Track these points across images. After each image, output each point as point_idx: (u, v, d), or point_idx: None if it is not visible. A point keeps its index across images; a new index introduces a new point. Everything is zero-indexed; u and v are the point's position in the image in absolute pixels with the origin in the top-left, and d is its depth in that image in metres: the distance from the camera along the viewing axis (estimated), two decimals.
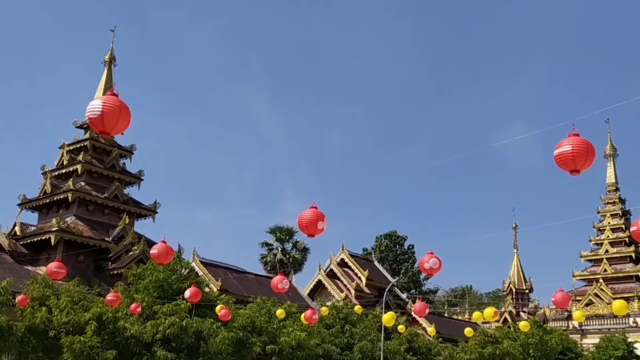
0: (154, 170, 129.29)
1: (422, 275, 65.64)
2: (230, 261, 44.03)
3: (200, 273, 31.51)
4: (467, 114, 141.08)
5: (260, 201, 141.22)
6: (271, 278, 18.17)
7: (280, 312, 22.47)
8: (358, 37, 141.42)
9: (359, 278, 44.36)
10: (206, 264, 33.90)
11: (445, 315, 57.01)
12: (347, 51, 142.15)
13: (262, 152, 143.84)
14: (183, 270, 23.84)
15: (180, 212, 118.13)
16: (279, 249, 53.37)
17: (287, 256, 52.92)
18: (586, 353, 39.48)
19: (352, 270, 45.07)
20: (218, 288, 30.38)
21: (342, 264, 45.57)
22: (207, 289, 24.70)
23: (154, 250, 13.65)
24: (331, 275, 44.62)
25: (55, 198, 32.69)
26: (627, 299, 41.32)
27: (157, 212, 35.59)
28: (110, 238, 32.32)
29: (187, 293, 18.84)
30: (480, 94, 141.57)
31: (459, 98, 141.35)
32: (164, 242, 13.61)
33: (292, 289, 34.31)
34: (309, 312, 21.04)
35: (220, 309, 19.91)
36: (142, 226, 35.52)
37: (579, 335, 49.92)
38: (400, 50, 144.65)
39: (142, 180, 36.17)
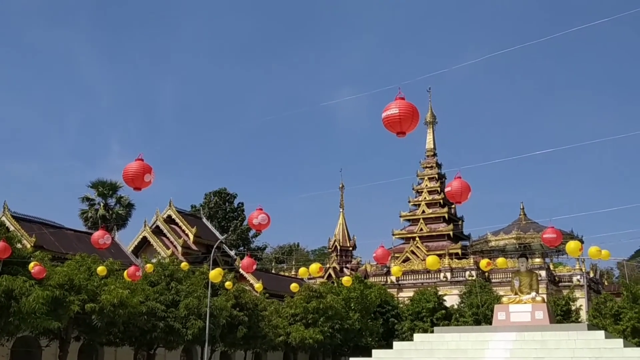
0: None
1: (252, 233, 66.33)
2: (47, 216, 41.53)
3: (12, 228, 29.60)
4: (300, 75, 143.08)
5: (83, 154, 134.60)
6: (92, 234, 17.27)
7: (101, 270, 21.65)
8: None
9: (187, 235, 43.86)
10: (18, 219, 31.86)
11: (273, 271, 58.16)
12: (178, 3, 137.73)
13: (85, 103, 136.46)
14: None
15: None
16: (102, 204, 51.00)
17: (110, 212, 50.76)
18: (402, 305, 42.27)
19: (180, 227, 44.45)
20: (32, 244, 28.78)
21: (169, 220, 44.77)
22: (19, 245, 23.18)
23: None
24: (157, 231, 43.71)
25: None
26: (440, 256, 44.44)
27: None
28: None
29: None
30: (313, 57, 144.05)
31: (292, 60, 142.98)
32: None
33: (114, 246, 33.17)
34: (132, 269, 20.52)
35: (33, 266, 18.80)
36: None
37: (396, 289, 53.24)
38: (234, 4, 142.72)
39: None
